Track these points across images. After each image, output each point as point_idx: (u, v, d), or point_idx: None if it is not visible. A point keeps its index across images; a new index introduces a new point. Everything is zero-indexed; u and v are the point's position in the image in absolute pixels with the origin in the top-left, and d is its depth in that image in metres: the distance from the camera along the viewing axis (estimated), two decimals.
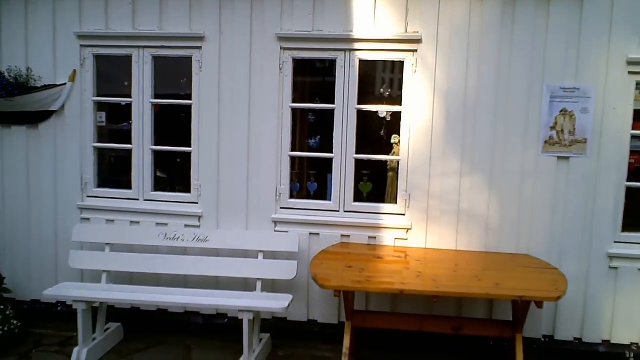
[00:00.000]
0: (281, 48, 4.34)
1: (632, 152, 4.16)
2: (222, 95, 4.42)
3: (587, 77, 4.09)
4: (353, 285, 3.62)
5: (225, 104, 4.42)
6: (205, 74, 4.42)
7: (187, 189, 4.60)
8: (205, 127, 4.46)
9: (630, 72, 4.06)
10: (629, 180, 4.16)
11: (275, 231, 4.44)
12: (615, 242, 4.20)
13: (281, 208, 4.46)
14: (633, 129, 4.13)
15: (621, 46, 4.05)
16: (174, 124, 4.82)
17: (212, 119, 4.44)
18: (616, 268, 4.19)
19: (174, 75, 4.72)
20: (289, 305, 3.92)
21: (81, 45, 4.56)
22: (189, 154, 4.55)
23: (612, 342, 4.26)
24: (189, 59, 4.45)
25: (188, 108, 4.50)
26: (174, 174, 5.40)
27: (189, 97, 4.49)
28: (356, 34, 4.26)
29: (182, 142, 4.53)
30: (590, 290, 4.22)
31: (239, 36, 4.35)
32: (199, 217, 4.54)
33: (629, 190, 4.20)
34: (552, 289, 3.52)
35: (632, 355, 4.18)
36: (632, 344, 4.25)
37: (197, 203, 4.56)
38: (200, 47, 4.40)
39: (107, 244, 4.41)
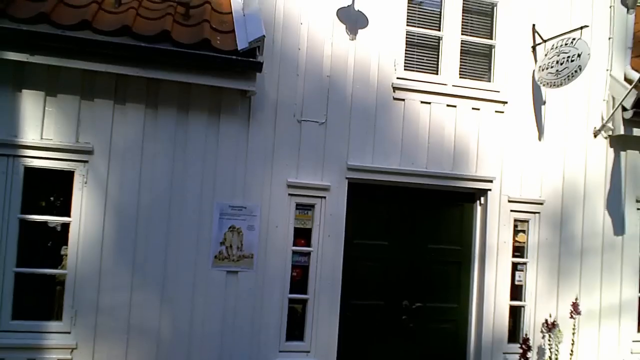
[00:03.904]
0: None
1: (294, 266, 4.51)
2: None
3: (253, 197, 4.39)
4: None
5: None
6: None
7: None
8: None
9: (290, 194, 4.45)
10: (291, 292, 4.47)
11: None
12: (280, 351, 4.44)
13: None
14: (294, 245, 4.49)
15: (282, 171, 4.44)
16: None
17: None
18: None
19: None
20: None
21: None
22: None
23: None
24: None
25: None
26: None
27: None
28: (22, 140, 4.01)
29: None
30: None
31: None
32: None
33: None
34: None
35: None
36: None
37: None
38: None
39: None
